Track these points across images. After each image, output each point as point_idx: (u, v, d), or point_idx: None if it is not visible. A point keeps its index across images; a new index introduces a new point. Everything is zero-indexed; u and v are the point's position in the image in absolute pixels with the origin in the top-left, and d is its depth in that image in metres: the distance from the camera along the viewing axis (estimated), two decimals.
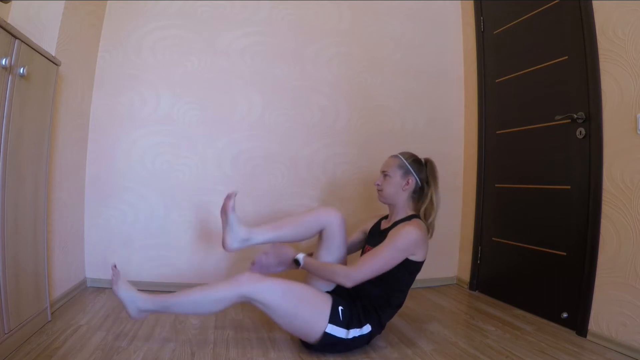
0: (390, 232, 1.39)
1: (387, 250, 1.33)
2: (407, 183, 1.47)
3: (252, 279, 1.29)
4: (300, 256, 1.40)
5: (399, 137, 2.32)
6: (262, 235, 1.45)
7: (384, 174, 1.51)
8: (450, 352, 1.41)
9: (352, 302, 1.38)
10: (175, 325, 1.55)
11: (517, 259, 2.00)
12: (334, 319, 1.31)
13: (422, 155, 1.58)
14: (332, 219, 1.46)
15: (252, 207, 2.11)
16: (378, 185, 1.52)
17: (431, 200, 1.46)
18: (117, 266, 1.36)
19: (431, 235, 1.46)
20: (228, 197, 1.43)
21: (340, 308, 1.33)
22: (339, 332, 1.31)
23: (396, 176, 1.48)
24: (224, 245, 1.44)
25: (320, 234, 1.50)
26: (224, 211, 1.44)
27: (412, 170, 1.48)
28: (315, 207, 1.55)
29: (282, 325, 1.33)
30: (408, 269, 1.37)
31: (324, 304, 1.33)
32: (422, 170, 1.49)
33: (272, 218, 2.10)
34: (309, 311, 1.31)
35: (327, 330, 1.29)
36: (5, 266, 1.18)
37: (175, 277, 2.02)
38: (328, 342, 1.30)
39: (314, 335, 1.31)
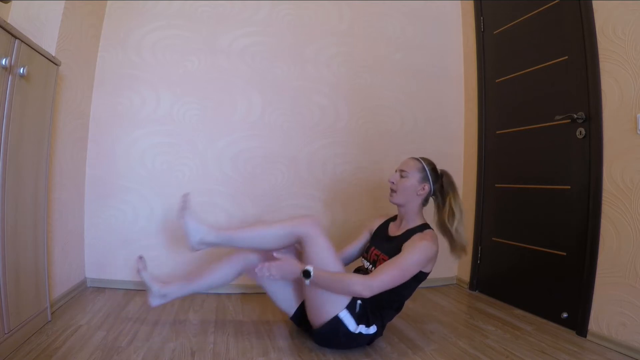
0: (407, 244, 1.35)
1: (408, 264, 1.30)
2: (423, 189, 1.46)
3: (316, 224, 1.36)
4: (310, 267, 1.28)
5: (399, 136, 2.32)
6: (177, 290, 1.50)
7: (402, 173, 1.47)
8: (450, 352, 1.41)
9: (365, 300, 1.36)
10: (175, 325, 1.55)
11: (517, 259, 2.00)
12: (351, 308, 1.31)
13: (423, 155, 1.59)
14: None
15: (252, 207, 2.11)
16: (393, 183, 1.48)
17: (451, 208, 1.42)
18: (187, 196, 1.43)
19: (463, 248, 1.42)
20: (137, 262, 1.52)
21: (358, 302, 1.33)
22: (350, 322, 1.31)
23: (414, 179, 1.45)
24: (147, 303, 1.51)
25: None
26: (138, 273, 1.52)
27: (429, 178, 1.46)
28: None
29: (306, 287, 1.34)
30: (416, 278, 1.36)
31: None
32: (437, 181, 1.48)
33: (272, 218, 2.10)
34: (334, 287, 1.30)
35: (340, 315, 1.30)
36: (5, 266, 1.18)
37: (175, 277, 2.01)
38: (333, 329, 1.30)
39: (325, 314, 1.31)
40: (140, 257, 1.55)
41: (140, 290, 1.96)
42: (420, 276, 1.37)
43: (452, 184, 1.47)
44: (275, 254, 1.40)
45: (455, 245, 1.42)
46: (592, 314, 1.57)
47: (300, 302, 1.47)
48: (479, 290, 2.25)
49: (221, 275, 1.51)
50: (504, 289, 2.08)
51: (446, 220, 1.42)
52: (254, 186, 2.11)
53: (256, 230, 1.42)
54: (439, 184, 1.48)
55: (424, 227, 1.44)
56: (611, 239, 1.52)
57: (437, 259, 1.40)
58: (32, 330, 1.34)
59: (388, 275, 1.28)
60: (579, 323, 1.61)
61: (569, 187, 1.73)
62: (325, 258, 1.35)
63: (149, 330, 1.48)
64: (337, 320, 1.30)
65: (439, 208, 1.49)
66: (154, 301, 1.49)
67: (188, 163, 2.05)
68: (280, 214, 2.12)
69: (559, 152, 1.78)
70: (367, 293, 1.26)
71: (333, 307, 1.31)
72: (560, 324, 1.72)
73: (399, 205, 1.49)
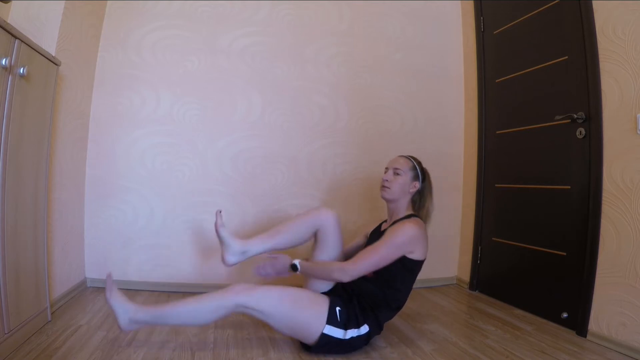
0: (389, 229, 1.41)
1: (384, 246, 1.34)
2: (414, 186, 1.51)
3: (247, 288, 1.30)
4: (297, 261, 1.42)
5: (399, 136, 2.32)
6: (258, 246, 1.48)
7: (396, 171, 1.51)
8: (450, 352, 1.41)
9: (349, 302, 1.38)
10: (175, 326, 1.54)
11: (517, 259, 2.00)
12: (331, 320, 1.31)
13: (423, 155, 1.62)
14: (325, 219, 1.48)
15: (252, 207, 2.11)
16: (387, 180, 1.51)
17: (427, 210, 1.52)
18: (111, 275, 1.33)
19: None
20: (216, 216, 1.48)
21: (337, 309, 1.34)
22: (337, 332, 1.31)
23: (407, 177, 1.50)
24: (223, 261, 1.47)
25: (315, 236, 1.51)
26: (216, 230, 1.48)
27: (419, 176, 1.51)
28: (307, 210, 1.55)
29: (280, 329, 1.34)
30: (406, 267, 1.38)
31: (321, 305, 1.33)
32: (425, 179, 1.54)
33: (273, 218, 2.10)
34: (306, 313, 1.31)
35: (325, 331, 1.30)
36: (5, 266, 1.18)
37: (175, 277, 2.02)
38: (326, 343, 1.31)
39: (312, 336, 1.31)
40: (219, 212, 1.49)
41: (140, 290, 1.96)
42: (410, 265, 1.38)
43: (431, 184, 1.55)
44: (268, 255, 1.49)
45: None
46: (592, 314, 1.57)
47: None
48: (479, 290, 2.25)
49: (298, 233, 1.50)
50: (504, 289, 2.08)
51: (421, 218, 1.49)
52: (254, 186, 2.11)
53: (188, 305, 1.29)
54: (425, 183, 1.54)
55: (410, 215, 1.48)
56: (611, 239, 1.52)
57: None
58: (32, 330, 1.34)
59: (365, 259, 1.33)
60: (579, 323, 1.61)
61: (569, 187, 1.73)
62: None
63: (149, 330, 1.48)
64: (324, 337, 1.30)
65: (418, 207, 1.53)
66: (231, 258, 1.45)
67: (188, 163, 2.05)
68: (281, 213, 2.12)
69: (559, 152, 1.78)
70: (346, 278, 1.31)
71: (314, 327, 1.31)
72: (560, 324, 1.72)
73: (390, 201, 1.53)
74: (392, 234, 1.36)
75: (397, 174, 1.50)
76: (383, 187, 1.52)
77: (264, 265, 1.48)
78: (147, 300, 1.82)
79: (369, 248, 1.37)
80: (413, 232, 1.35)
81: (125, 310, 1.29)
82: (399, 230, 1.36)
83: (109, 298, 1.30)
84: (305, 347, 1.38)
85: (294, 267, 1.42)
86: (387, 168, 1.56)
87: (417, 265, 1.41)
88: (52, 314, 1.52)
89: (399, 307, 1.46)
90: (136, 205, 2.01)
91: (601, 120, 1.58)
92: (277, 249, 1.50)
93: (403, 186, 1.49)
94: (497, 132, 2.18)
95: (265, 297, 1.29)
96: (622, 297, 1.46)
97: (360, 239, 1.67)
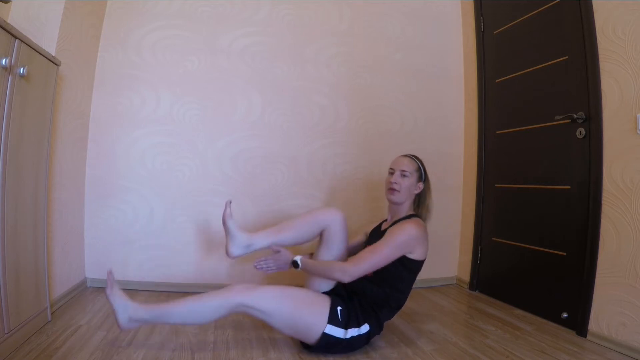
0: (389, 229, 1.42)
1: (385, 246, 1.34)
2: (419, 187, 1.51)
3: (248, 287, 1.30)
4: (298, 258, 1.44)
5: (399, 136, 2.32)
6: (263, 240, 1.48)
7: (403, 173, 1.49)
8: (450, 352, 1.41)
9: (350, 302, 1.39)
10: (175, 325, 1.54)
11: (517, 259, 2.00)
12: (332, 319, 1.31)
13: (423, 155, 1.61)
14: (332, 219, 1.47)
15: (252, 207, 2.10)
16: (396, 183, 1.49)
17: (428, 207, 1.52)
18: (112, 272, 1.31)
19: None
20: (225, 206, 1.49)
21: (338, 308, 1.34)
22: (338, 332, 1.31)
23: (413, 178, 1.50)
24: (227, 253, 1.47)
25: (321, 234, 1.51)
26: (223, 220, 1.48)
27: (423, 176, 1.52)
28: (315, 209, 1.56)
29: (281, 329, 1.34)
30: (406, 267, 1.38)
31: (323, 305, 1.34)
32: (426, 179, 1.54)
33: (273, 218, 2.10)
34: (308, 313, 1.31)
35: (326, 331, 1.30)
36: (5, 266, 1.18)
37: (175, 277, 2.02)
38: (327, 343, 1.31)
39: (313, 336, 1.31)
40: (229, 202, 1.50)
41: (140, 290, 1.96)
42: (410, 264, 1.38)
43: (429, 182, 1.56)
44: (273, 247, 1.48)
45: None
46: (592, 314, 1.57)
47: None
48: (479, 290, 2.25)
49: (304, 231, 1.50)
50: (504, 289, 2.08)
51: (422, 216, 1.50)
52: (254, 186, 2.11)
53: (189, 304, 1.29)
54: (426, 182, 1.55)
55: (411, 215, 1.49)
56: (611, 239, 1.52)
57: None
58: (32, 330, 1.34)
59: (365, 259, 1.33)
60: (579, 323, 1.61)
61: (569, 187, 1.73)
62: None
63: (149, 330, 1.48)
64: (325, 336, 1.30)
65: (419, 205, 1.53)
66: (236, 250, 1.45)
67: (188, 163, 2.05)
68: (281, 214, 2.12)
69: (559, 152, 1.78)
70: (347, 278, 1.32)
71: (316, 326, 1.31)
72: (560, 324, 1.72)
73: (397, 204, 1.52)
74: (393, 234, 1.37)
75: (405, 176, 1.49)
76: (392, 189, 1.49)
77: (266, 259, 1.49)
78: (147, 300, 1.82)
79: (370, 248, 1.38)
80: (413, 232, 1.36)
81: (125, 308, 1.28)
82: (399, 231, 1.37)
83: (109, 295, 1.29)
84: (305, 346, 1.38)
85: (294, 264, 1.43)
86: (392, 169, 1.53)
87: (417, 265, 1.41)
88: (52, 314, 1.52)
89: (399, 307, 1.47)
90: (136, 205, 2.01)
91: (601, 120, 1.58)
92: (282, 245, 1.50)
93: (410, 188, 1.49)
94: (497, 132, 2.18)
95: (266, 297, 1.29)
96: (622, 297, 1.46)
97: (360, 237, 1.67)
